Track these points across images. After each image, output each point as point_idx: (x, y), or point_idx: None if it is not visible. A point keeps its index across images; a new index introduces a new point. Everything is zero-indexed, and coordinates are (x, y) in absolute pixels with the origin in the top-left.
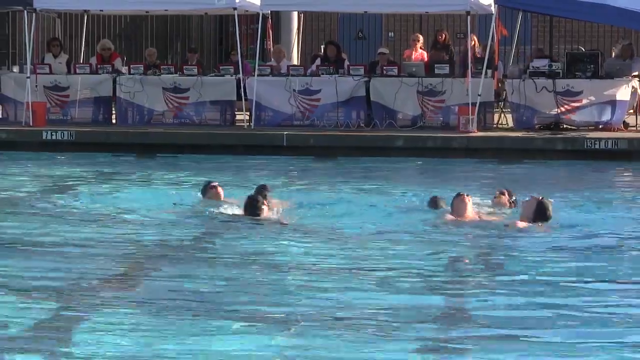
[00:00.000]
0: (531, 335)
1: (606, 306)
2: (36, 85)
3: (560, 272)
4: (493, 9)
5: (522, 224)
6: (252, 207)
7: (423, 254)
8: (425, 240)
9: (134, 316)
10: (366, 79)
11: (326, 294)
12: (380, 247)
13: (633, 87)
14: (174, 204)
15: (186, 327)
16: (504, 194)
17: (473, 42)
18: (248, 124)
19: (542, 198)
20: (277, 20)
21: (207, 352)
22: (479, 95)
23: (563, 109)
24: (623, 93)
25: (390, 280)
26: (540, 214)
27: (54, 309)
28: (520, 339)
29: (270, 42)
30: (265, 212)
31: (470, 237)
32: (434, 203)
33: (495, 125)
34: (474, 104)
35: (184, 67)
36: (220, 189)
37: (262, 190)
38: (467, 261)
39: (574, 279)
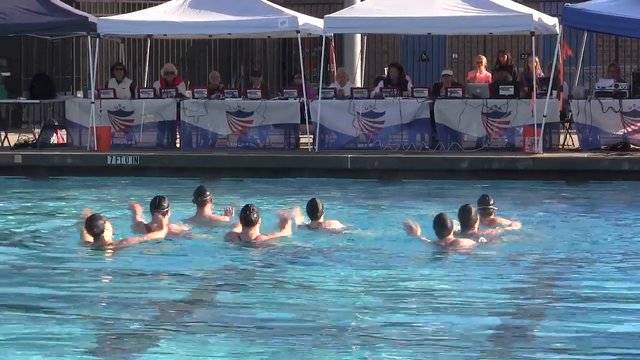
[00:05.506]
0: None
1: None
2: (100, 110)
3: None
4: (557, 29)
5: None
6: (90, 227)
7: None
8: None
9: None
10: (430, 101)
11: (381, 314)
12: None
13: None
14: None
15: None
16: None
17: (535, 63)
18: (312, 147)
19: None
20: (341, 43)
21: None
22: (544, 116)
23: (629, 129)
24: None
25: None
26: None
27: (116, 333)
28: None
29: (334, 65)
30: (107, 236)
31: None
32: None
33: (560, 146)
34: (539, 125)
35: (248, 90)
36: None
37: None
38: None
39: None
